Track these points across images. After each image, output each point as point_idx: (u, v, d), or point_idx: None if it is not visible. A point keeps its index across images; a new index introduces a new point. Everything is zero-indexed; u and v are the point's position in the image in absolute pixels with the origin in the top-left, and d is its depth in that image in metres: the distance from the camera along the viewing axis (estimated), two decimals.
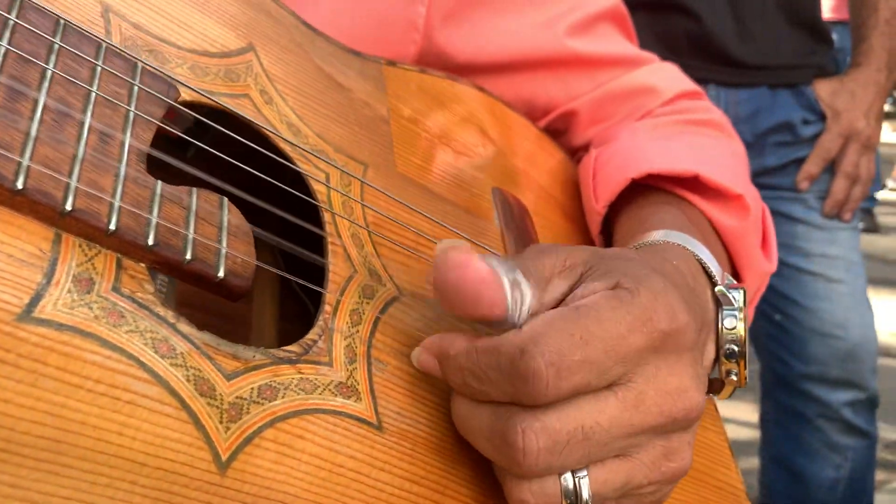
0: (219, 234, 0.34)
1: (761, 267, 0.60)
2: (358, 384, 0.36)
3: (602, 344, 0.34)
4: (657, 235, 0.51)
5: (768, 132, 1.31)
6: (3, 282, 0.27)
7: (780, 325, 1.33)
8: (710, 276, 0.49)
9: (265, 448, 0.31)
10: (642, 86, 0.68)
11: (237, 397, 0.31)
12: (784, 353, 1.33)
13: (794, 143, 1.31)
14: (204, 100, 0.38)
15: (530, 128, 0.66)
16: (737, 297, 0.48)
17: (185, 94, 0.38)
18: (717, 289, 0.48)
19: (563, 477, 0.35)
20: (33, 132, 0.29)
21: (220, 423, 0.30)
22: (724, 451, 0.61)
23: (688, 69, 0.74)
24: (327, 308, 0.38)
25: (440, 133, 0.55)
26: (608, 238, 0.61)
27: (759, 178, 1.29)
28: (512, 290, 0.35)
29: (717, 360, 0.48)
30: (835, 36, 1.35)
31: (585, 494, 0.35)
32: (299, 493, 0.31)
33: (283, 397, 0.33)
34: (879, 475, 1.75)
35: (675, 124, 0.66)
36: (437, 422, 0.39)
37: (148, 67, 0.36)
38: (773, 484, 1.36)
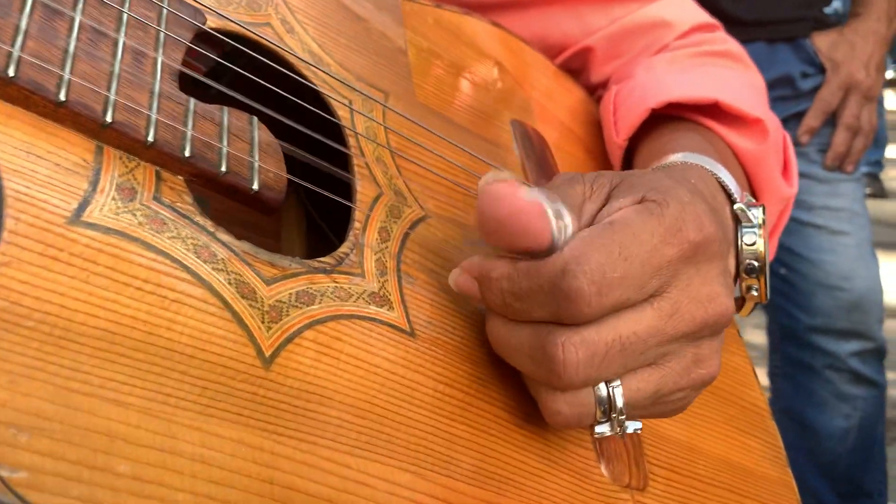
0: (251, 149, 0.35)
1: (781, 191, 0.61)
2: (390, 294, 0.38)
3: (639, 259, 0.35)
4: (676, 158, 0.52)
5: (767, 87, 1.28)
6: (52, 188, 0.28)
7: (785, 279, 1.33)
8: (728, 195, 0.49)
9: (306, 347, 0.32)
10: (657, 19, 0.68)
11: (277, 301, 0.33)
12: (790, 306, 1.34)
13: (794, 96, 1.29)
14: (230, 27, 0.39)
15: (548, 64, 0.66)
16: (756, 214, 0.48)
17: (212, 22, 0.39)
18: (735, 206, 0.48)
19: (596, 387, 0.37)
20: (71, 49, 0.31)
21: (262, 323, 0.32)
22: (749, 374, 0.62)
23: None
24: (357, 224, 0.39)
25: (458, 66, 0.56)
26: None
27: None
28: (556, 220, 0.35)
29: (737, 276, 0.49)
30: (838, 2, 1.33)
31: (620, 402, 0.36)
32: (339, 388, 0.32)
33: (319, 303, 0.34)
34: (892, 432, 1.75)
35: (693, 56, 0.66)
36: (466, 332, 0.40)
37: None
38: (784, 436, 1.38)
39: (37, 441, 0.24)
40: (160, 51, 0.34)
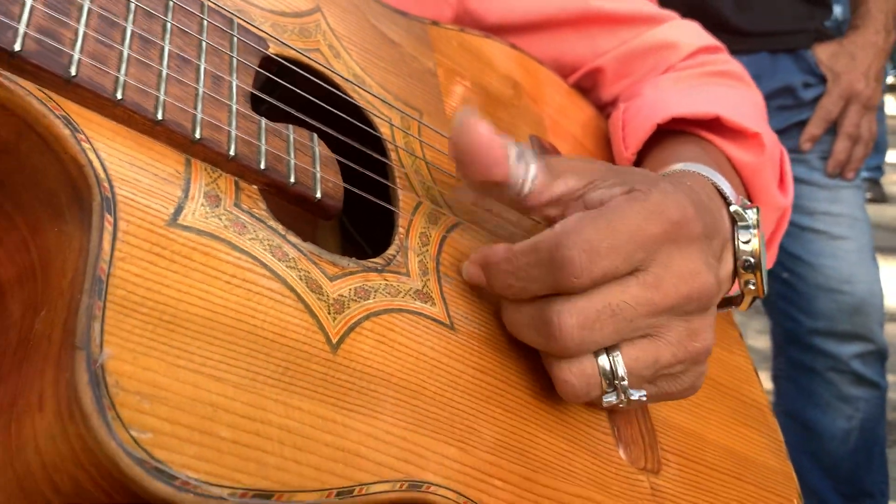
0: (313, 162, 0.40)
1: (776, 201, 0.65)
2: (431, 292, 0.42)
3: (625, 233, 0.40)
4: (677, 166, 0.56)
5: (770, 97, 1.31)
6: (153, 195, 0.33)
7: (787, 283, 1.37)
8: (725, 199, 0.54)
9: (365, 335, 0.37)
10: (664, 41, 0.72)
11: (339, 295, 0.37)
12: (793, 309, 1.38)
13: (796, 106, 1.33)
14: (287, 52, 0.44)
15: (561, 83, 0.71)
16: (751, 215, 0.52)
17: (272, 48, 0.43)
18: (731, 208, 0.53)
19: (599, 358, 0.41)
20: (164, 74, 0.35)
21: (329, 314, 0.36)
22: (750, 373, 0.67)
23: None
24: (401, 230, 0.43)
25: (481, 85, 0.60)
26: None
27: None
28: (516, 158, 0.41)
29: (735, 273, 0.53)
30: (838, 8, 1.38)
31: (621, 371, 0.41)
32: (394, 372, 0.37)
33: (374, 298, 0.39)
34: (893, 434, 1.79)
35: (697, 76, 0.71)
36: (497, 326, 0.44)
37: (242, 23, 0.41)
38: (787, 437, 1.41)
39: (157, 407, 0.28)
40: (234, 75, 0.39)
